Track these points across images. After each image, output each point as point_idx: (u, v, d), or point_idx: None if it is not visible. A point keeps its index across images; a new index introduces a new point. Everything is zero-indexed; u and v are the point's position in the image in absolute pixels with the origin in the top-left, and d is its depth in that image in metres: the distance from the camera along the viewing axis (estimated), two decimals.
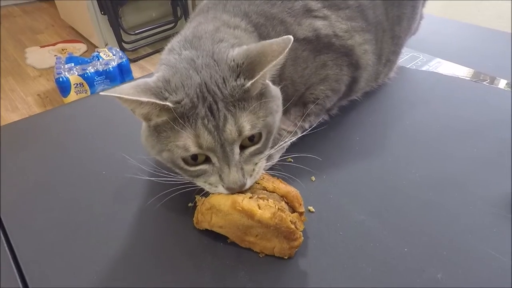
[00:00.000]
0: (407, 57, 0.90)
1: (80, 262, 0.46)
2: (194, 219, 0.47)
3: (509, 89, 0.76)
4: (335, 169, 0.58)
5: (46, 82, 2.36)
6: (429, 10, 0.90)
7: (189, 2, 2.67)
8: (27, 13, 3.38)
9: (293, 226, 0.42)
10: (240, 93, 0.42)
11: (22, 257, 0.47)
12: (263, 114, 0.43)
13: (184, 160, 0.44)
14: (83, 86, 1.97)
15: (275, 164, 0.54)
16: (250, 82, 0.41)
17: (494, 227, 0.48)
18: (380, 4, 0.66)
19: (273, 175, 0.49)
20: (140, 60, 2.55)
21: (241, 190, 0.44)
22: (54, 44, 2.77)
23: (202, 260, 0.45)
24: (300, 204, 0.46)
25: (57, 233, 0.50)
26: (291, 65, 0.57)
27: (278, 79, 0.54)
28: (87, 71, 1.97)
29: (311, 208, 0.51)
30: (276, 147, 0.51)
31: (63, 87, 1.93)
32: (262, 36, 0.54)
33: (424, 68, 0.85)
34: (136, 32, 2.50)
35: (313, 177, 0.56)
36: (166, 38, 0.55)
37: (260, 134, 0.44)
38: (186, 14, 2.62)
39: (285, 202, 0.45)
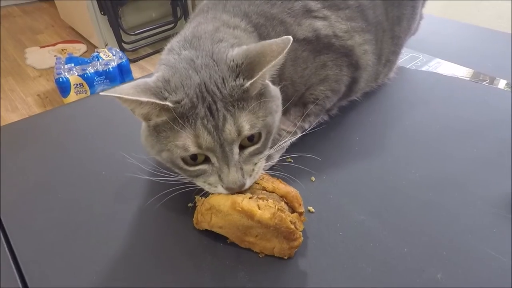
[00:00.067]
0: (406, 57, 0.90)
1: (80, 262, 0.46)
2: (193, 219, 0.47)
3: (509, 89, 0.76)
4: (335, 169, 0.58)
5: (46, 82, 2.36)
6: (429, 10, 0.90)
7: (189, 2, 2.67)
8: (27, 13, 3.38)
9: (292, 226, 0.42)
10: (239, 93, 0.42)
11: (21, 257, 0.47)
12: (262, 114, 0.43)
13: (184, 160, 0.44)
14: (83, 86, 1.97)
15: (275, 164, 0.54)
16: (249, 82, 0.41)
17: (494, 227, 0.48)
18: (380, 4, 0.66)
19: (272, 175, 0.49)
20: (140, 61, 2.55)
21: (240, 190, 0.44)
22: (54, 45, 2.77)
23: (202, 260, 0.45)
24: (300, 204, 0.46)
25: (57, 233, 0.50)
26: (291, 66, 0.57)
27: (278, 79, 0.54)
28: (87, 72, 1.97)
29: (311, 208, 0.51)
30: (275, 147, 0.51)
31: (63, 87, 1.93)
32: (262, 37, 0.54)
33: (423, 68, 0.85)
34: (136, 32, 2.50)
35: (313, 177, 0.56)
36: (166, 39, 0.55)
37: (259, 134, 0.44)
38: (186, 15, 2.63)
39: (285, 202, 0.45)
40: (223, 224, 0.44)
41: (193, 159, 0.44)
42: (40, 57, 2.62)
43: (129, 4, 2.46)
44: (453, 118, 0.68)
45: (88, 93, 1.99)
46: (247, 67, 0.42)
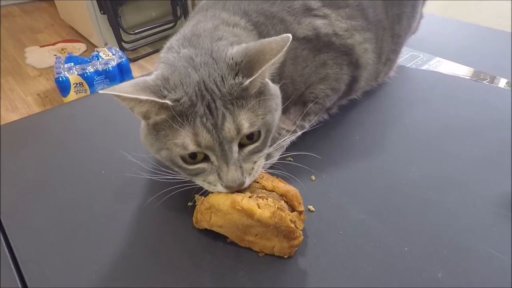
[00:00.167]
0: (407, 56, 0.90)
1: (80, 262, 0.46)
2: (193, 218, 0.47)
3: (509, 88, 0.76)
4: (335, 168, 0.58)
5: (45, 81, 2.36)
6: (429, 10, 0.90)
7: (189, 2, 2.67)
8: (26, 13, 3.38)
9: (292, 225, 0.42)
10: (238, 91, 0.42)
11: (21, 256, 0.47)
12: (262, 112, 0.43)
13: (183, 159, 0.44)
14: (83, 85, 1.97)
15: (275, 163, 0.54)
16: (248, 80, 0.41)
17: (494, 226, 0.48)
18: (380, 3, 0.66)
19: (272, 174, 0.49)
20: (140, 60, 2.55)
21: (240, 189, 0.44)
22: (53, 44, 2.77)
23: (202, 259, 0.45)
24: (300, 203, 0.46)
25: (56, 232, 0.50)
26: (291, 64, 0.56)
27: (278, 78, 0.54)
28: (87, 71, 1.97)
29: (311, 207, 0.51)
30: (275, 145, 0.51)
31: (63, 86, 1.93)
32: (262, 35, 0.54)
33: (424, 67, 0.85)
34: (136, 31, 2.50)
35: (313, 176, 0.56)
36: (166, 38, 0.55)
37: (259, 132, 0.44)
38: (185, 14, 2.62)
39: (285, 201, 0.45)
40: (223, 223, 0.44)
41: (192, 158, 0.43)
42: (40, 56, 2.62)
43: (129, 4, 2.46)
44: (454, 117, 0.68)
45: (88, 92, 1.99)
46: (247, 65, 0.42)
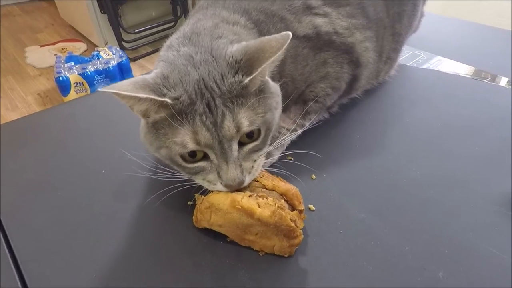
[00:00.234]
0: (407, 55, 0.89)
1: (80, 261, 0.46)
2: (193, 217, 0.47)
3: (510, 87, 0.76)
4: (335, 167, 0.57)
5: (46, 81, 2.36)
6: (429, 9, 0.89)
7: (189, 1, 2.67)
8: (27, 12, 3.38)
9: (293, 224, 0.42)
10: (238, 89, 0.41)
11: (21, 256, 0.47)
12: (262, 111, 0.43)
13: (182, 157, 0.44)
14: (83, 85, 1.97)
15: (275, 162, 0.54)
16: (248, 79, 0.41)
17: (495, 225, 0.48)
18: (381, 1, 0.66)
19: (272, 173, 0.49)
20: (140, 59, 2.55)
21: (239, 188, 0.44)
22: (54, 43, 2.77)
23: (202, 258, 0.45)
24: (300, 202, 0.46)
25: (56, 231, 0.50)
26: (291, 63, 0.56)
27: (278, 76, 0.54)
28: (87, 70, 1.97)
29: (311, 206, 0.51)
30: (275, 144, 0.51)
31: (63, 86, 1.93)
32: (262, 33, 0.54)
33: (425, 66, 0.85)
34: (136, 31, 2.50)
35: (313, 175, 0.56)
36: (166, 37, 0.55)
37: (259, 131, 0.44)
38: (186, 13, 2.62)
39: (285, 200, 0.45)
40: (223, 222, 0.44)
41: (192, 156, 0.43)
42: (40, 56, 2.62)
43: (129, 3, 2.46)
44: (454, 116, 0.67)
45: (88, 91, 1.99)
46: (246, 63, 0.42)
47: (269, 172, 0.49)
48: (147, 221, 0.51)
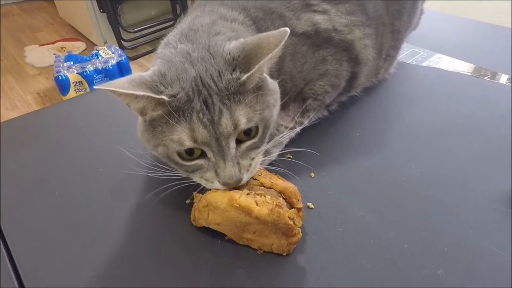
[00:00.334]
0: (407, 53, 0.89)
1: (77, 260, 0.46)
2: (191, 216, 0.47)
3: (510, 85, 0.75)
4: (334, 165, 0.57)
5: (45, 80, 2.36)
6: (429, 6, 0.89)
7: (188, 1, 2.66)
8: (26, 12, 3.38)
9: (291, 222, 0.42)
10: (235, 86, 0.41)
11: (18, 255, 0.47)
12: (259, 108, 0.43)
13: (180, 155, 0.43)
14: (82, 84, 1.97)
15: (274, 160, 0.53)
16: (246, 75, 0.41)
17: (495, 223, 0.47)
18: None
19: (271, 171, 0.49)
20: (140, 58, 2.55)
21: (237, 186, 0.44)
22: (53, 43, 2.76)
23: (200, 257, 0.45)
24: (298, 200, 0.45)
25: (54, 230, 0.50)
26: (290, 60, 0.56)
27: (277, 74, 0.53)
28: (86, 69, 1.97)
29: (310, 204, 0.50)
30: (273, 141, 0.50)
31: (62, 85, 1.92)
32: (260, 31, 0.54)
33: (424, 64, 0.85)
34: (135, 30, 2.50)
35: (312, 173, 0.55)
36: (165, 36, 0.55)
37: (256, 128, 0.44)
38: (185, 12, 2.61)
39: (283, 198, 0.44)
40: (221, 221, 0.43)
41: (189, 154, 0.43)
42: (39, 55, 2.62)
43: (128, 2, 2.45)
44: (454, 114, 0.67)
45: (88, 91, 1.99)
46: (244, 60, 0.41)
47: (268, 170, 0.49)
48: (145, 220, 0.51)
